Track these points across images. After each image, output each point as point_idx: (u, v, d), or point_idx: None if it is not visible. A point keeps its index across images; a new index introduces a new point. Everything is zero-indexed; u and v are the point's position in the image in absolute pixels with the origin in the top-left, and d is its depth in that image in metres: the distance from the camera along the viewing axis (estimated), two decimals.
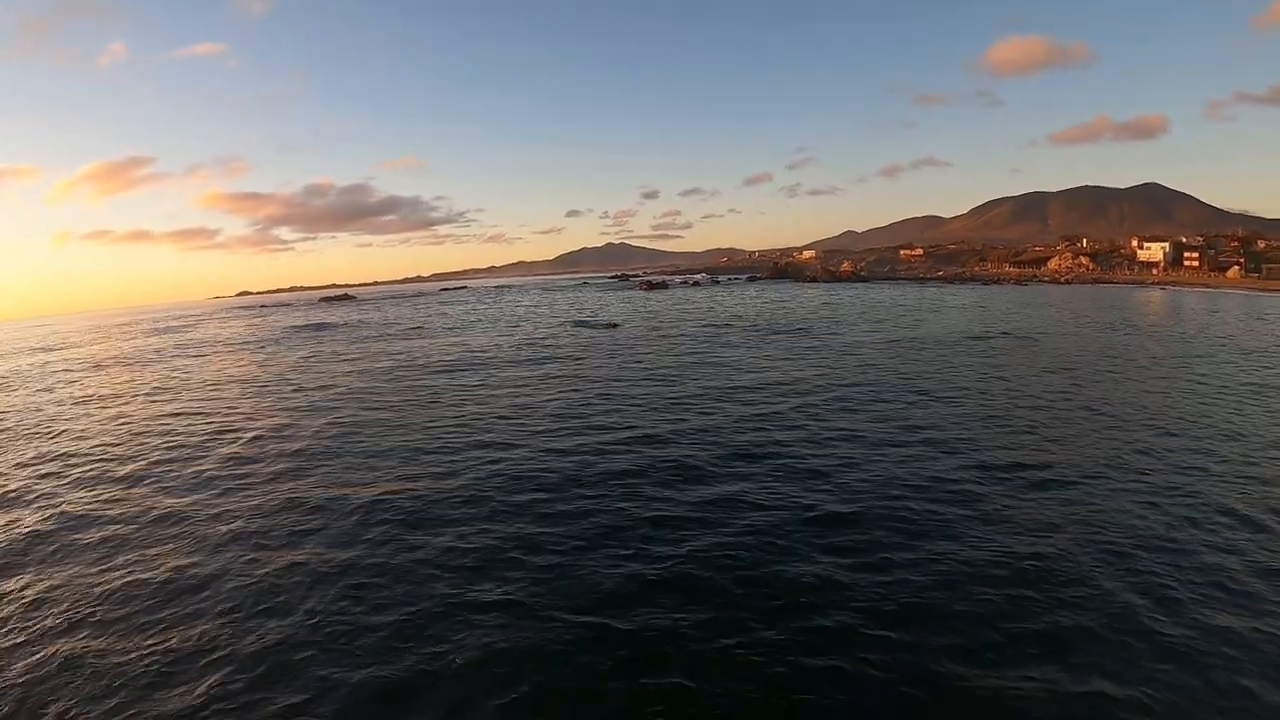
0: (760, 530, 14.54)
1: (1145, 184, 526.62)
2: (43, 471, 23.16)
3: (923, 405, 26.16)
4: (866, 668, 9.86)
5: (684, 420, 25.16)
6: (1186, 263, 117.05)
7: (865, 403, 26.82)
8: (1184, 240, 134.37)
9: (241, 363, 52.22)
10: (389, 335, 68.43)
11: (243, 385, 39.45)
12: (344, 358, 50.49)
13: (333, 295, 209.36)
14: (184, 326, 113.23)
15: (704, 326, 60.33)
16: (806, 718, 9.04)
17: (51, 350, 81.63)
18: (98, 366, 57.27)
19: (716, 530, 14.65)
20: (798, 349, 43.41)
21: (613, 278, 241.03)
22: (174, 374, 47.72)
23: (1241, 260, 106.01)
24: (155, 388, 41.28)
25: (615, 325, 66.72)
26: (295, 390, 36.35)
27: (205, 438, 26.22)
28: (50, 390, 44.22)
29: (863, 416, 24.61)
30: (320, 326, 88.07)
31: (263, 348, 62.88)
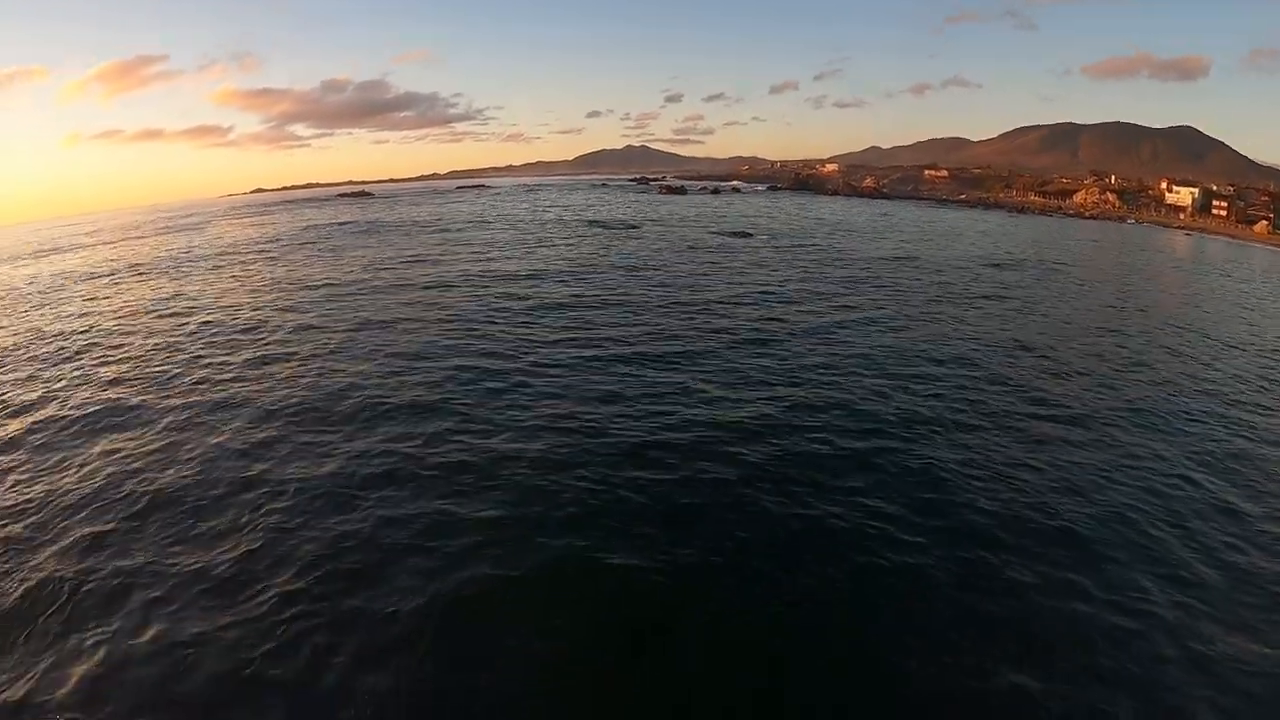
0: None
1: (1180, 126, 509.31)
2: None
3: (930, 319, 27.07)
4: None
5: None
6: (1215, 211, 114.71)
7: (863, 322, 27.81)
8: (1214, 188, 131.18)
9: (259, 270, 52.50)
10: (416, 231, 68.41)
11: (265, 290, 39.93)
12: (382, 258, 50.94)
13: (349, 192, 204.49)
14: (188, 228, 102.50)
15: (717, 234, 60.49)
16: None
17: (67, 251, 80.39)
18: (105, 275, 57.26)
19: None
20: (810, 261, 43.89)
21: (632, 180, 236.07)
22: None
23: (1270, 216, 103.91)
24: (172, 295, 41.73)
25: (635, 226, 66.72)
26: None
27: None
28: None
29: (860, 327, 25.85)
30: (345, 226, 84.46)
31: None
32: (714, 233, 61.06)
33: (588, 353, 22.49)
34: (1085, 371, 22.43)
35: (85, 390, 20.69)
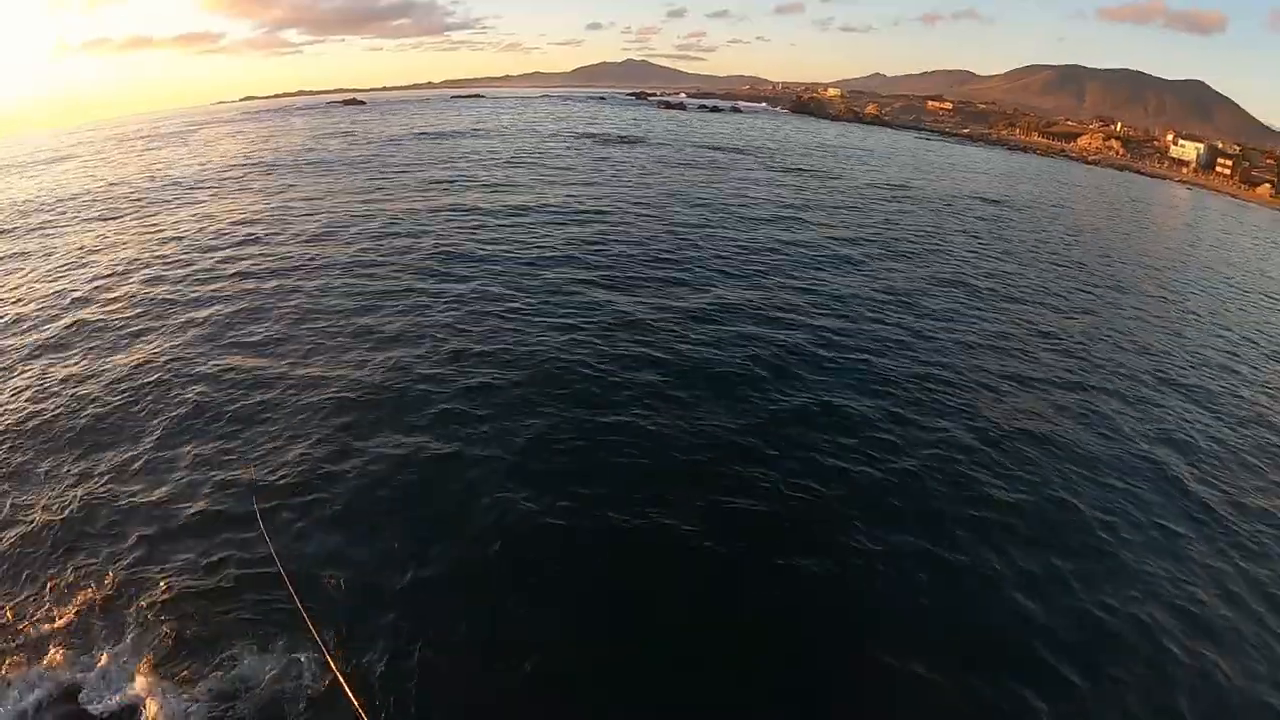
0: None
1: (1190, 80, 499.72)
2: None
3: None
4: None
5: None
6: (1219, 168, 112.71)
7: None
8: (1220, 145, 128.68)
9: None
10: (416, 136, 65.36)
11: None
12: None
13: (340, 100, 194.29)
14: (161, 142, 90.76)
15: (710, 150, 58.14)
16: None
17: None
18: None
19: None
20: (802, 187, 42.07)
21: (630, 95, 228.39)
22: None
23: (1274, 179, 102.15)
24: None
25: (637, 141, 64.15)
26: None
27: None
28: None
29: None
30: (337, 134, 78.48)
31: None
32: (711, 148, 58.83)
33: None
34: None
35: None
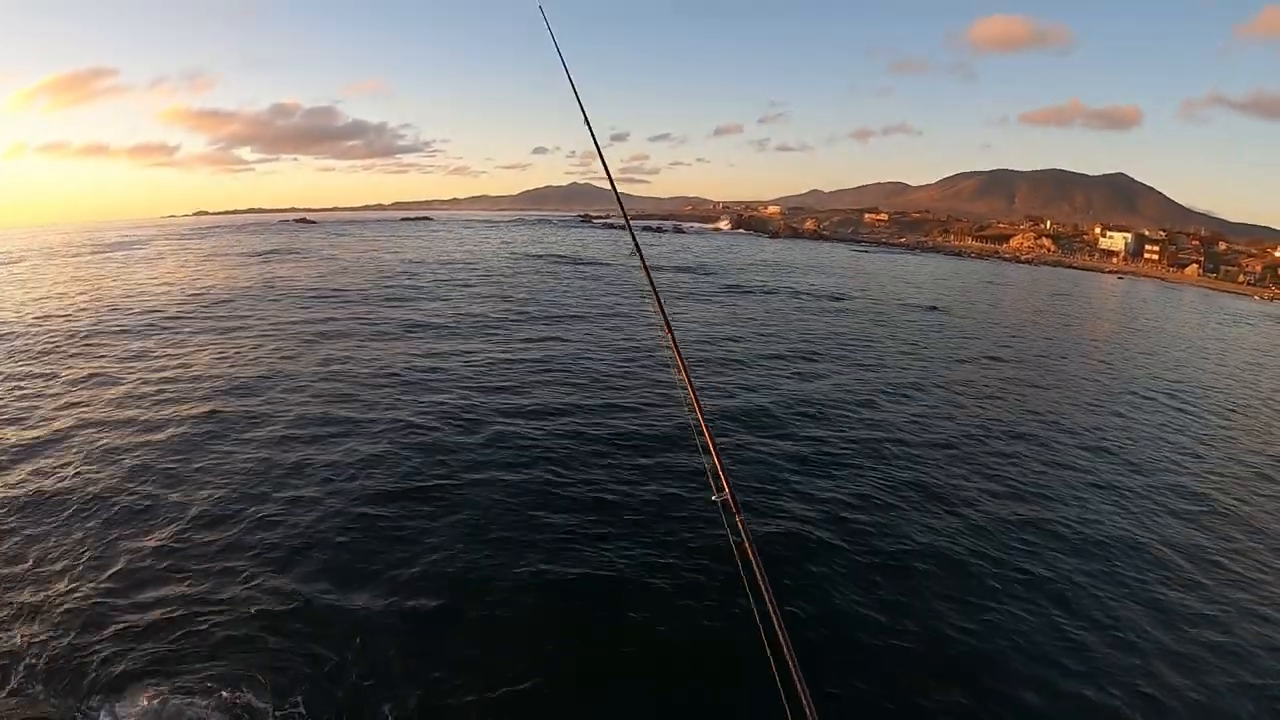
0: None
1: (1114, 173, 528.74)
2: None
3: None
4: None
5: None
6: (1147, 255, 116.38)
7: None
8: (1147, 234, 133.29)
9: None
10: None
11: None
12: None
13: (291, 220, 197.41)
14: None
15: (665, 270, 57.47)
16: None
17: None
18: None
19: None
20: (739, 304, 40.64)
21: (576, 218, 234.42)
22: None
23: (1201, 259, 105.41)
24: None
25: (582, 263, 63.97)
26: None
27: None
28: None
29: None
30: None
31: None
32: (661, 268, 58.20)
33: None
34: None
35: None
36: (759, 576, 3.34)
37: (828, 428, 18.15)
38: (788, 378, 23.42)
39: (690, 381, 4.26)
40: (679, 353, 4.38)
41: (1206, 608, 11.12)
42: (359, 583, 10.29)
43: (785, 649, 3.03)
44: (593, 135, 5.40)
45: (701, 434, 3.98)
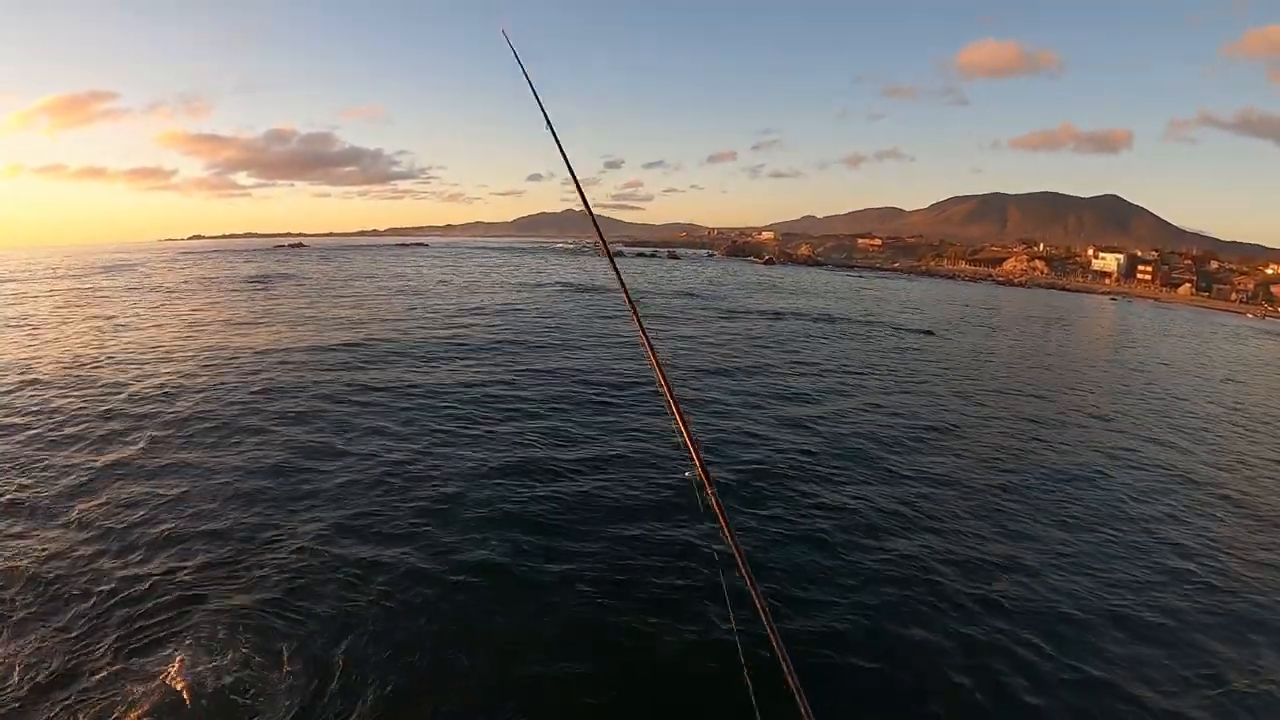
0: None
1: (1105, 195, 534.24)
2: None
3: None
4: None
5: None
6: (1140, 275, 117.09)
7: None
8: (1139, 254, 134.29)
9: None
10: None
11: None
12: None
13: (287, 244, 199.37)
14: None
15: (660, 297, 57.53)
16: None
17: None
18: None
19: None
20: (725, 329, 40.62)
21: (570, 244, 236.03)
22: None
23: (1193, 278, 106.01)
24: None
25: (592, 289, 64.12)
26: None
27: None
28: None
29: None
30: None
31: None
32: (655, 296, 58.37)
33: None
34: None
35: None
36: (748, 583, 3.22)
37: (819, 442, 18.02)
38: (778, 400, 23.32)
39: (672, 396, 4.15)
40: (659, 366, 4.28)
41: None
42: (337, 585, 10.14)
43: (781, 653, 2.92)
44: (564, 157, 5.27)
45: (681, 435, 3.87)
